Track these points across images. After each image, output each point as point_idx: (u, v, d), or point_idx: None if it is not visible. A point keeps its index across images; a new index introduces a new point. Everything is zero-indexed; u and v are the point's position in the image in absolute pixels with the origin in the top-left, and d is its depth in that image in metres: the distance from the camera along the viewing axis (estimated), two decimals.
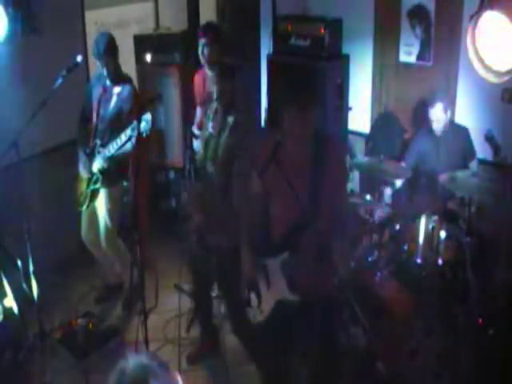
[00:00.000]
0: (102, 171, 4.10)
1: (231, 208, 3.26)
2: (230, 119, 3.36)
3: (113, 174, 4.12)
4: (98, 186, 4.14)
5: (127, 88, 4.08)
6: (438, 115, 4.17)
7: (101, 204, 4.21)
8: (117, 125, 4.01)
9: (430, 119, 4.22)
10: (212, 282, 3.84)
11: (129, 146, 3.92)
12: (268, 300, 2.91)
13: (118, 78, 4.10)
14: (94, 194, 4.20)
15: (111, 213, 4.20)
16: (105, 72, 4.05)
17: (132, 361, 1.49)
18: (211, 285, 3.88)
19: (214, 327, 4.00)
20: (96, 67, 4.20)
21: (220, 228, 3.38)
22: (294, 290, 2.78)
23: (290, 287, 2.79)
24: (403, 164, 4.36)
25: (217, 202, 3.39)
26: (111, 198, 4.18)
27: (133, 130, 3.67)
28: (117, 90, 4.08)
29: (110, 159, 4.03)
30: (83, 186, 4.23)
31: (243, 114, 3.43)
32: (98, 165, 4.09)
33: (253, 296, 2.95)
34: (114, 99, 4.09)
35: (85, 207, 4.26)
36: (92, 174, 4.15)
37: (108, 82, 4.11)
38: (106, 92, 4.11)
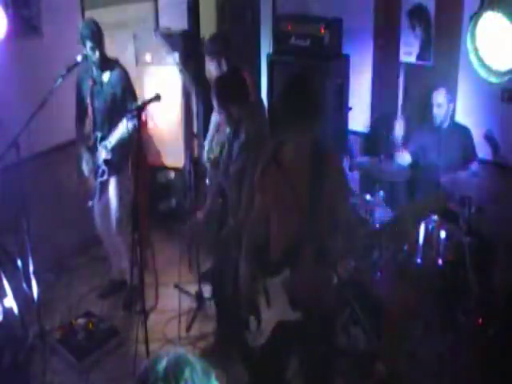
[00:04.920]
0: (106, 162, 4.13)
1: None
2: (242, 135, 3.36)
3: (118, 161, 4.15)
4: (105, 177, 4.18)
5: (115, 72, 4.07)
6: (440, 99, 4.20)
7: (113, 194, 4.25)
8: (114, 112, 4.05)
9: (432, 103, 4.24)
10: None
11: (124, 131, 3.93)
12: (268, 321, 2.83)
13: (105, 64, 4.07)
14: (104, 186, 4.23)
15: (124, 200, 4.23)
16: (91, 59, 4.00)
17: (175, 351, 1.48)
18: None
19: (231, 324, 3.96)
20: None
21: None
22: (296, 307, 2.73)
23: (292, 304, 2.74)
24: (405, 151, 4.37)
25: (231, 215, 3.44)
26: (122, 185, 4.21)
27: (128, 120, 3.70)
28: (105, 77, 4.07)
29: (112, 149, 4.06)
30: (90, 180, 4.26)
31: (255, 128, 3.40)
32: (101, 157, 4.12)
33: (252, 318, 2.89)
34: (105, 88, 4.08)
35: (96, 200, 4.29)
36: (97, 167, 4.17)
37: (95, 72, 4.09)
38: (96, 83, 4.11)
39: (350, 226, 2.82)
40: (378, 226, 3.96)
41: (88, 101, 4.14)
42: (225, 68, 3.96)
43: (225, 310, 3.85)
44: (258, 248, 2.89)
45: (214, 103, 3.42)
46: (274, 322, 2.79)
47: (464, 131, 4.31)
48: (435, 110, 4.24)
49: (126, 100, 4.04)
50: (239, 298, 2.96)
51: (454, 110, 4.37)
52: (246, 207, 3.27)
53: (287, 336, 2.79)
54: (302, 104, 2.62)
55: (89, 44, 3.94)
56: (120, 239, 4.32)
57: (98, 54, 3.99)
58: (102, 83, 4.09)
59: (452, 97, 4.30)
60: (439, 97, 4.22)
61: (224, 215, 3.59)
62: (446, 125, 4.28)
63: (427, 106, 4.32)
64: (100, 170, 4.16)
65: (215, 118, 4.27)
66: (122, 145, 4.04)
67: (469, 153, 4.28)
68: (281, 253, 2.77)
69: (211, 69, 4.00)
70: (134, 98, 4.11)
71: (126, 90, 4.08)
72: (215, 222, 3.73)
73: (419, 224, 3.85)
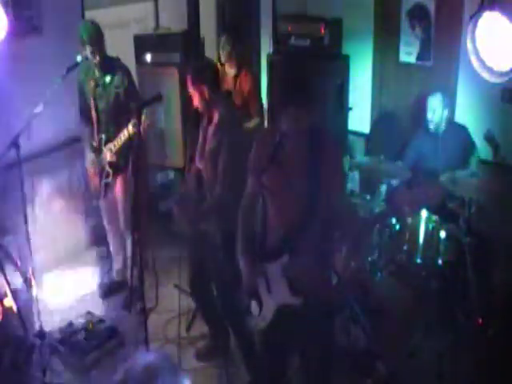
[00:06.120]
0: (111, 165, 4.15)
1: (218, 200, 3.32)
2: (215, 117, 3.39)
3: (122, 162, 4.18)
4: (110, 179, 4.20)
5: (117, 72, 4.07)
6: (434, 104, 4.13)
7: (120, 191, 4.27)
8: (118, 112, 4.06)
9: (427, 108, 4.16)
10: (209, 273, 3.76)
11: (128, 137, 3.96)
12: (269, 305, 2.84)
13: (106, 65, 4.06)
14: (109, 186, 4.25)
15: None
16: (92, 62, 4.00)
17: (141, 358, 1.52)
18: (209, 276, 3.74)
19: (222, 324, 3.95)
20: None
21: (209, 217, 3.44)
22: (296, 292, 2.76)
23: (292, 290, 2.77)
24: (400, 163, 4.34)
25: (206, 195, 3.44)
26: (128, 183, 4.22)
27: (132, 127, 3.71)
28: (108, 79, 4.07)
29: (116, 152, 4.09)
30: (96, 180, 4.27)
31: (229, 110, 3.44)
32: (106, 159, 4.14)
33: (253, 303, 2.87)
34: (108, 90, 4.08)
35: (101, 199, 4.31)
36: (102, 168, 4.19)
37: (97, 74, 4.09)
38: (99, 85, 4.11)
39: (348, 214, 2.84)
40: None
41: (91, 102, 4.14)
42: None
43: (211, 306, 3.82)
44: (254, 238, 2.91)
45: (188, 85, 3.44)
46: (275, 307, 2.81)
47: (462, 131, 4.27)
48: (429, 115, 4.17)
49: (128, 99, 4.04)
50: (236, 287, 2.97)
51: (451, 114, 4.31)
52: (222, 183, 3.31)
53: (288, 320, 2.80)
54: (300, 96, 2.64)
55: (89, 48, 3.94)
56: (128, 234, 4.33)
57: (98, 57, 3.99)
58: (104, 85, 4.08)
59: (448, 102, 4.21)
60: (434, 101, 4.14)
61: (200, 197, 3.60)
62: (441, 129, 4.21)
63: (424, 109, 4.30)
64: (105, 172, 4.19)
65: None
66: (125, 147, 4.05)
67: (469, 148, 4.23)
68: (279, 242, 2.78)
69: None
70: (137, 96, 4.12)
71: (129, 89, 4.08)
72: (192, 204, 3.72)
73: (417, 209, 3.85)
